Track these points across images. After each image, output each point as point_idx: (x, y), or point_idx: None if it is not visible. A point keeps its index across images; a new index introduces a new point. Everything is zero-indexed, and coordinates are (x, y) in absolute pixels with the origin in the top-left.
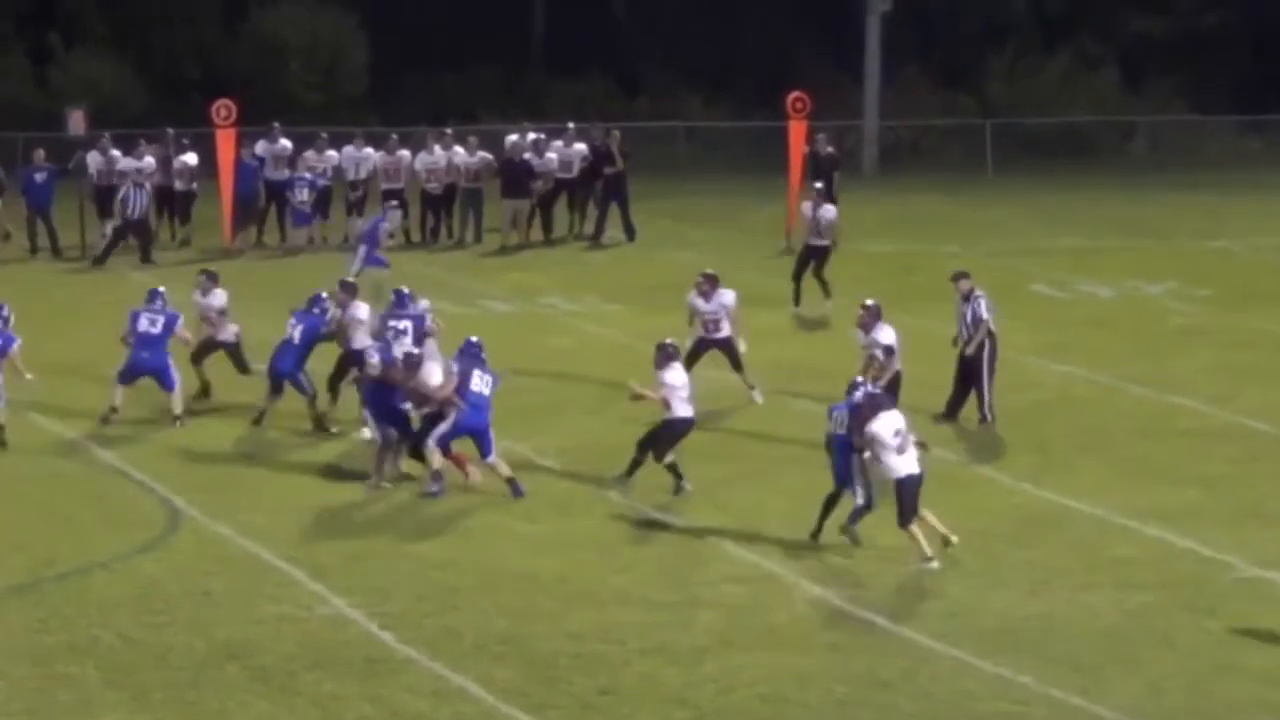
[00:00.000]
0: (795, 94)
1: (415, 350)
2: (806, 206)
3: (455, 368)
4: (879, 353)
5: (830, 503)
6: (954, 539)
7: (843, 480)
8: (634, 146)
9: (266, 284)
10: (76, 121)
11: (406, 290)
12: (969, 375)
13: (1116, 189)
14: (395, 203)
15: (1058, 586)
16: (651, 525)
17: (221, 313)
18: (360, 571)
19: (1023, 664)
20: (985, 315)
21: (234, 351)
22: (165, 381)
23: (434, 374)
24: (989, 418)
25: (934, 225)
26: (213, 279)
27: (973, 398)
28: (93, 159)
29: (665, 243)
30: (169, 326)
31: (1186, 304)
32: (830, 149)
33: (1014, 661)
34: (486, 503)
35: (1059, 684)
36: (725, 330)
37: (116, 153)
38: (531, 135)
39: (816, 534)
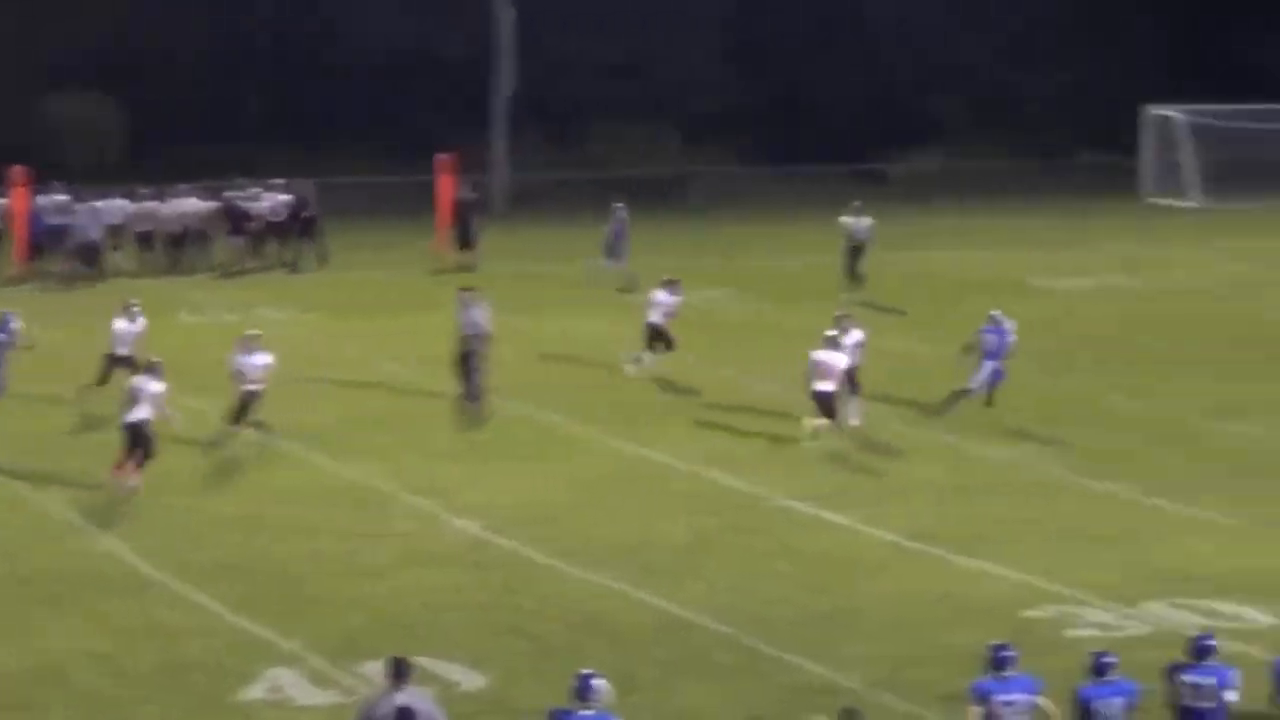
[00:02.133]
0: (443, 156)
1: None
2: (847, 221)
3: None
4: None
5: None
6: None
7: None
8: (322, 197)
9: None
10: None
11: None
12: (468, 364)
13: (679, 226)
14: (621, 205)
15: (646, 517)
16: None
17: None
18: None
19: (619, 574)
20: (479, 319)
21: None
22: None
23: None
24: (475, 399)
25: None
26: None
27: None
28: None
29: (351, 267)
30: None
31: (743, 305)
32: (473, 194)
33: (612, 573)
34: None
35: (645, 588)
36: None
37: None
38: (238, 191)
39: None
